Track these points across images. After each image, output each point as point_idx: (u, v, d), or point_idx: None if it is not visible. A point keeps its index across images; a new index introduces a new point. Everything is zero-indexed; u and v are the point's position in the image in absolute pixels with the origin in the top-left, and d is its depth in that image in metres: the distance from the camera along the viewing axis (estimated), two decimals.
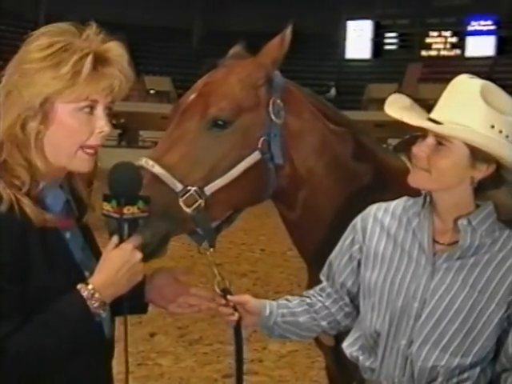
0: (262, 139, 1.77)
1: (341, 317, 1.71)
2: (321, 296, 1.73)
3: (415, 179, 1.47)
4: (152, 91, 30.68)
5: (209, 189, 1.69)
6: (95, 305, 1.29)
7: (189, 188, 1.67)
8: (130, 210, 1.34)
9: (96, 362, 1.40)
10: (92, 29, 1.36)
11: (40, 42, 1.32)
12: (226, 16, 31.42)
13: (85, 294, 1.28)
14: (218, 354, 4.73)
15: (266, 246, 8.82)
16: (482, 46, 32.35)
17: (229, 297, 1.65)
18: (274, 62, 1.83)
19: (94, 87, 1.31)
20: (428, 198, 1.54)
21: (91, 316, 1.29)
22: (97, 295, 1.29)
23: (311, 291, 1.76)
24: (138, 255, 1.35)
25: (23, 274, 1.25)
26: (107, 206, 1.35)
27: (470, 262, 1.47)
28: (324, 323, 1.71)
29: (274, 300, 1.73)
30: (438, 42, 33.65)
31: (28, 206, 1.27)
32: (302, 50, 30.65)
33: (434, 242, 1.51)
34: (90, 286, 1.29)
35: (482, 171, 1.44)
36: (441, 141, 1.42)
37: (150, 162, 1.65)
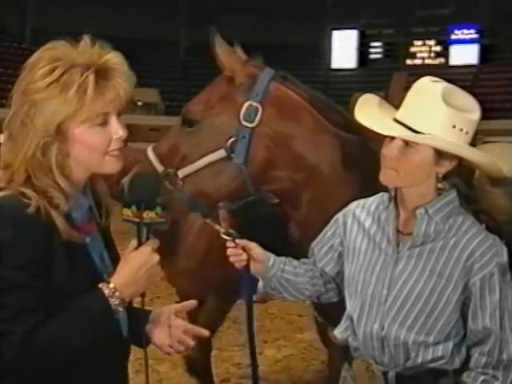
0: (231, 139, 1.95)
1: (325, 289, 1.88)
2: (314, 266, 1.88)
3: (385, 178, 1.60)
4: (139, 103, 30.70)
5: (181, 173, 1.99)
6: (116, 302, 1.37)
7: (168, 170, 2.00)
8: (149, 215, 1.44)
9: (114, 359, 1.47)
10: (86, 42, 1.40)
11: (42, 69, 1.34)
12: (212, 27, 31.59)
13: (106, 292, 1.36)
14: (214, 359, 4.77)
15: None
16: (465, 54, 32.80)
17: (237, 240, 1.79)
18: (233, 71, 1.99)
19: (101, 103, 1.37)
20: (393, 192, 1.67)
21: (112, 313, 1.37)
22: (117, 294, 1.37)
23: (306, 260, 1.90)
24: (156, 257, 1.43)
25: (48, 273, 1.33)
26: (127, 212, 1.45)
27: (428, 249, 1.60)
28: (311, 288, 1.86)
29: None
30: (423, 51, 34.08)
31: (59, 220, 1.34)
32: (289, 60, 30.86)
33: (399, 232, 1.64)
34: (111, 285, 1.37)
35: (446, 166, 1.57)
36: (408, 142, 1.54)
37: (149, 149, 2.07)
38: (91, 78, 1.35)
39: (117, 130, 1.42)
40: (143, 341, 1.54)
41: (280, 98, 1.99)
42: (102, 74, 1.37)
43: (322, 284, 1.86)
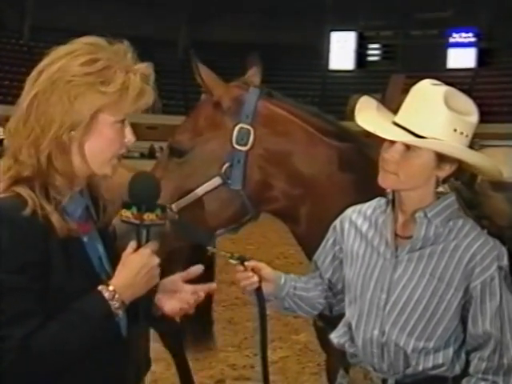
0: (225, 165, 1.91)
1: (336, 301, 1.83)
2: (321, 279, 1.84)
3: (385, 181, 1.58)
4: None
5: (175, 206, 1.91)
6: (116, 305, 1.35)
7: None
8: (149, 217, 1.41)
9: (114, 360, 1.45)
10: (124, 46, 1.43)
11: (82, 58, 1.36)
12: (211, 27, 31.56)
13: (106, 294, 1.35)
14: (209, 360, 4.75)
15: (254, 255, 8.75)
16: (463, 57, 32.89)
17: (246, 263, 1.73)
18: (219, 96, 1.94)
19: (137, 104, 1.40)
20: (391, 196, 1.65)
21: (112, 316, 1.35)
22: (117, 296, 1.36)
23: (312, 274, 1.85)
24: (156, 259, 1.42)
25: (46, 274, 1.31)
26: (127, 213, 1.41)
27: (428, 252, 1.58)
28: (323, 301, 1.83)
29: None
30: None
31: (54, 216, 1.33)
32: (287, 61, 30.88)
33: (397, 236, 1.62)
34: (110, 288, 1.36)
35: (446, 170, 1.56)
36: (410, 146, 1.52)
37: None
38: (137, 79, 1.39)
39: (129, 134, 1.44)
40: (154, 321, 1.55)
41: (270, 116, 1.97)
42: (143, 78, 1.40)
43: (332, 296, 1.82)
